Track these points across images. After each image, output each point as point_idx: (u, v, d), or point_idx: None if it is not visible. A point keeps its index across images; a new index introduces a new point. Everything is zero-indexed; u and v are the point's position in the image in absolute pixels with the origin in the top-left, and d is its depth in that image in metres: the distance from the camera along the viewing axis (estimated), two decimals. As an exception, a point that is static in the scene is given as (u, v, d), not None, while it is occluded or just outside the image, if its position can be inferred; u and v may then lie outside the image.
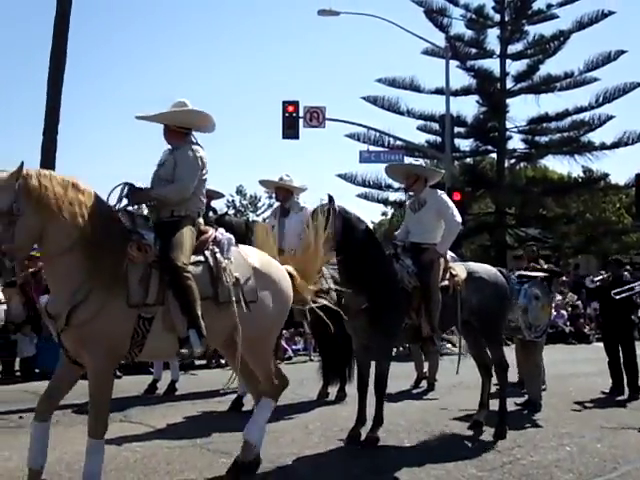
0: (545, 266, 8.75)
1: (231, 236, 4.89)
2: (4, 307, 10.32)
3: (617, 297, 8.70)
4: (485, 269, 6.82)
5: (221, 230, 4.94)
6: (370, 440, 5.97)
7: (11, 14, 58.40)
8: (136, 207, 4.73)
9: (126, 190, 4.58)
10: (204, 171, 4.87)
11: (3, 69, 57.28)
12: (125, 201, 4.58)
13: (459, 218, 6.61)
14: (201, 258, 4.61)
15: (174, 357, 4.86)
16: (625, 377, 9.07)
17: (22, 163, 4.03)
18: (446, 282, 6.32)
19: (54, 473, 4.98)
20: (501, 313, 6.70)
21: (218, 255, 4.63)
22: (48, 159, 17.15)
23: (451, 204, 6.59)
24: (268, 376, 4.94)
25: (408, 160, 23.40)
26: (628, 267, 17.41)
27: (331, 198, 5.94)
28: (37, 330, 10.47)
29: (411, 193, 6.81)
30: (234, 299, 4.51)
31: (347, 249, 5.86)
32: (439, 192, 6.69)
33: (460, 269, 6.55)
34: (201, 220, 4.89)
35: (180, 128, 4.91)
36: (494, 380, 6.89)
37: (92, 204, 4.20)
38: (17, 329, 10.40)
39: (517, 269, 8.75)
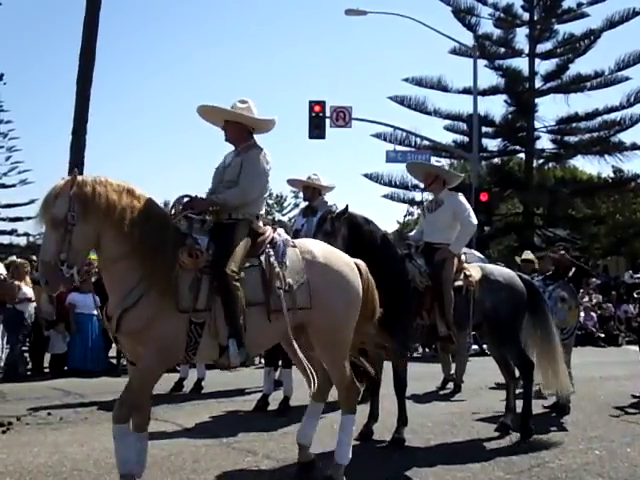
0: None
1: (288, 237, 4.76)
2: (34, 304, 10.46)
3: (638, 296, 8.50)
4: (502, 272, 6.70)
5: (280, 230, 4.80)
6: (396, 441, 5.95)
7: (42, 13, 59.30)
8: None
9: (185, 201, 4.53)
10: (268, 174, 4.77)
11: (34, 69, 58.25)
12: (186, 205, 4.51)
13: (475, 220, 6.56)
14: (255, 262, 4.49)
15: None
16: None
17: (76, 171, 4.06)
18: (460, 282, 6.26)
19: (82, 470, 5.02)
20: (515, 317, 6.50)
21: (272, 259, 4.48)
22: (77, 158, 17.38)
23: (468, 206, 6.57)
24: (342, 380, 4.73)
25: (434, 160, 23.33)
26: None
27: (346, 209, 5.98)
28: (67, 328, 10.64)
29: (429, 193, 6.78)
30: (285, 307, 4.37)
31: (356, 251, 5.68)
32: (457, 194, 6.66)
33: (475, 270, 6.47)
34: (260, 223, 4.75)
35: (246, 127, 4.82)
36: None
37: (147, 210, 4.18)
38: (50, 326, 10.56)
39: (541, 272, 8.65)
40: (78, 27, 18.26)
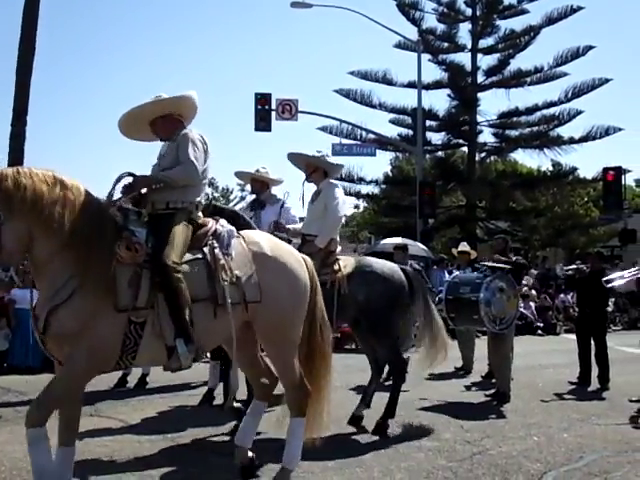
0: (513, 258, 8.81)
1: (232, 228, 4.53)
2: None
3: (608, 285, 8.71)
4: (381, 264, 6.49)
5: (222, 222, 4.56)
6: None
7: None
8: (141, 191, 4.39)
9: (128, 179, 4.30)
10: (207, 155, 4.55)
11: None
12: (124, 189, 4.28)
13: (341, 213, 6.46)
14: (199, 255, 4.26)
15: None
16: (595, 369, 9.17)
17: None
18: (325, 277, 5.92)
19: (22, 469, 4.92)
20: (390, 311, 6.28)
21: (217, 251, 4.25)
22: (16, 151, 16.88)
23: (339, 198, 6.44)
24: (291, 380, 4.52)
25: (380, 153, 23.59)
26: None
27: (209, 204, 5.91)
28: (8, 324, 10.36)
29: (311, 183, 6.67)
30: (229, 301, 4.14)
31: None
32: (334, 185, 6.56)
33: (348, 263, 6.34)
34: (200, 213, 4.55)
35: (174, 116, 4.64)
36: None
37: (80, 200, 3.88)
38: (-10, 322, 10.27)
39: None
40: (18, 15, 17.76)
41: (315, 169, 6.56)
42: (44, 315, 3.75)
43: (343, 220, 6.61)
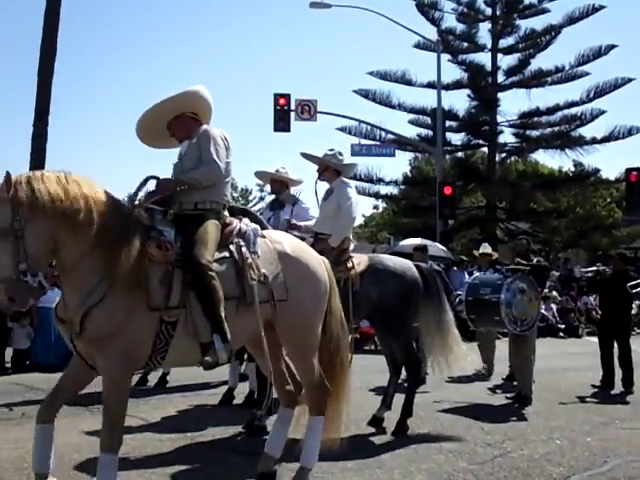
0: (534, 260, 8.72)
1: (257, 226, 4.51)
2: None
3: (634, 290, 8.59)
4: (394, 261, 6.46)
5: (246, 220, 4.53)
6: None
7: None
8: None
9: (152, 182, 4.27)
10: (228, 152, 4.49)
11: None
12: (148, 195, 4.22)
13: (355, 213, 6.45)
14: (226, 254, 4.22)
15: (197, 365, 4.23)
16: (619, 372, 9.05)
17: (7, 173, 3.59)
18: (339, 274, 5.74)
19: (44, 466, 4.93)
20: (404, 307, 6.25)
21: (244, 249, 4.23)
22: (38, 151, 17.04)
23: (353, 198, 6.42)
24: (311, 380, 4.50)
25: (399, 153, 23.50)
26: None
27: None
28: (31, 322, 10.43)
29: (324, 182, 6.62)
30: (257, 300, 4.11)
31: None
32: (347, 184, 6.55)
33: (362, 261, 6.30)
34: (226, 212, 4.51)
35: (188, 115, 4.55)
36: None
37: (100, 199, 3.83)
38: (13, 319, 10.32)
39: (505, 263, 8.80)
40: (39, 16, 17.94)
41: (326, 167, 6.58)
42: (79, 318, 3.71)
43: (360, 220, 6.64)
